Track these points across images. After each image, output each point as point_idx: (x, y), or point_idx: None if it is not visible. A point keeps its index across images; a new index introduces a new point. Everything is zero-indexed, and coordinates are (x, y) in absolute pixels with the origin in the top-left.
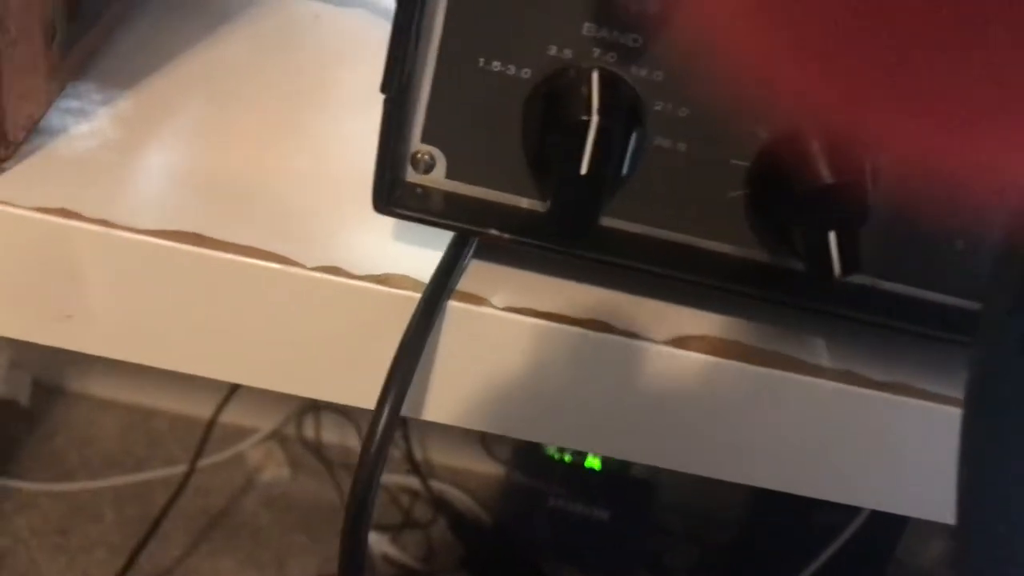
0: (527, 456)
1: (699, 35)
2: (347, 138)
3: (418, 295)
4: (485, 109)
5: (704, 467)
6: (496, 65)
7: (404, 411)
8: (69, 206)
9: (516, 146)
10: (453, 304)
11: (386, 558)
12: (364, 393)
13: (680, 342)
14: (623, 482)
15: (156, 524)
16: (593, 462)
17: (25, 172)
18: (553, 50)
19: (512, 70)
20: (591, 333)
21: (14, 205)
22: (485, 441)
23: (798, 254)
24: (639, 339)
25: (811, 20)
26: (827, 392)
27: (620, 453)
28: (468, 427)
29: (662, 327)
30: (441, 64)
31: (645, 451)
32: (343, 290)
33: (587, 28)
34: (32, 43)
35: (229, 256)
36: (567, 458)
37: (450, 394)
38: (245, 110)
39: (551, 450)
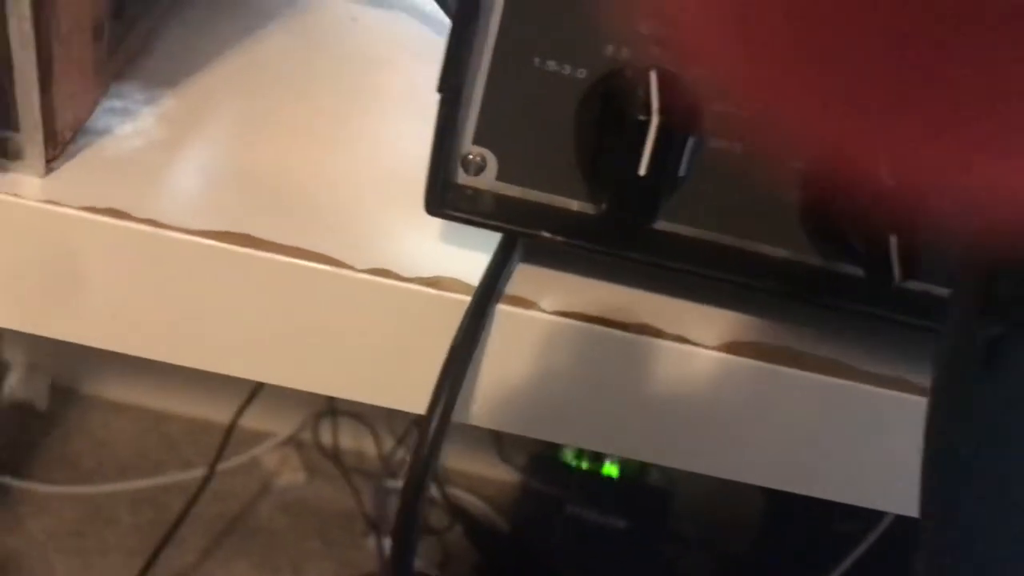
0: (543, 463)
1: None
2: (390, 138)
3: (467, 298)
4: (538, 110)
5: (759, 476)
6: (551, 65)
7: (453, 416)
8: (116, 206)
9: (569, 147)
10: (502, 308)
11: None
12: (413, 397)
13: (730, 347)
14: (640, 490)
15: (173, 529)
16: (610, 470)
17: (72, 172)
18: (610, 49)
19: (568, 70)
20: (641, 338)
21: (63, 205)
22: (501, 448)
23: (855, 259)
24: (689, 344)
25: (860, 33)
26: (882, 399)
27: (672, 461)
28: (516, 433)
29: (712, 332)
30: (496, 64)
31: (697, 459)
32: (393, 292)
33: (645, 27)
34: (81, 43)
35: (279, 257)
36: (584, 465)
37: (498, 399)
38: (288, 111)
39: (568, 457)
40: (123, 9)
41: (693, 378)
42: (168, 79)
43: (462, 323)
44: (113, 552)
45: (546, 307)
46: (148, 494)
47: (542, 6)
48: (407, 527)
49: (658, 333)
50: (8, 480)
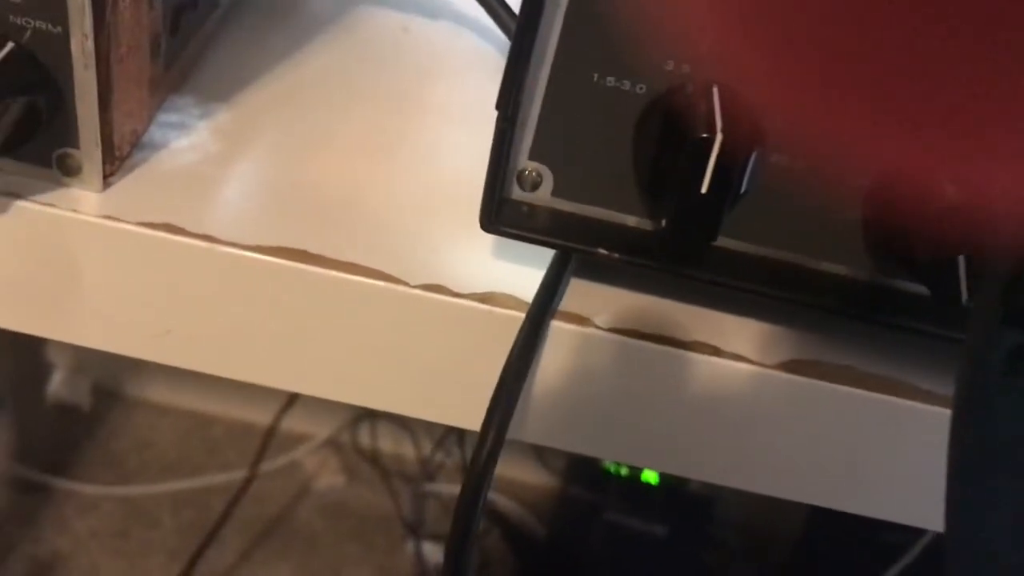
0: (583, 469)
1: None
2: (442, 151)
3: (520, 314)
4: (596, 125)
5: (823, 497)
6: (611, 81)
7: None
8: (173, 221)
9: (626, 163)
10: (556, 324)
11: (440, 569)
12: (466, 413)
13: (791, 366)
14: (681, 497)
15: (214, 531)
16: (650, 476)
17: (129, 187)
18: (671, 65)
19: (627, 86)
20: (698, 356)
21: (120, 220)
22: (540, 453)
23: (920, 277)
24: (748, 363)
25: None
26: (941, 419)
27: (732, 482)
28: (571, 451)
29: (771, 351)
30: (554, 80)
31: (758, 480)
32: (447, 308)
33: (706, 43)
34: (140, 58)
35: (334, 273)
36: (623, 471)
37: (551, 416)
38: (341, 123)
39: (607, 463)
40: (179, 25)
41: (751, 398)
42: (222, 93)
43: (517, 340)
44: (155, 553)
45: (601, 323)
46: (189, 495)
47: (603, 22)
48: (461, 550)
49: (716, 351)
50: (53, 480)
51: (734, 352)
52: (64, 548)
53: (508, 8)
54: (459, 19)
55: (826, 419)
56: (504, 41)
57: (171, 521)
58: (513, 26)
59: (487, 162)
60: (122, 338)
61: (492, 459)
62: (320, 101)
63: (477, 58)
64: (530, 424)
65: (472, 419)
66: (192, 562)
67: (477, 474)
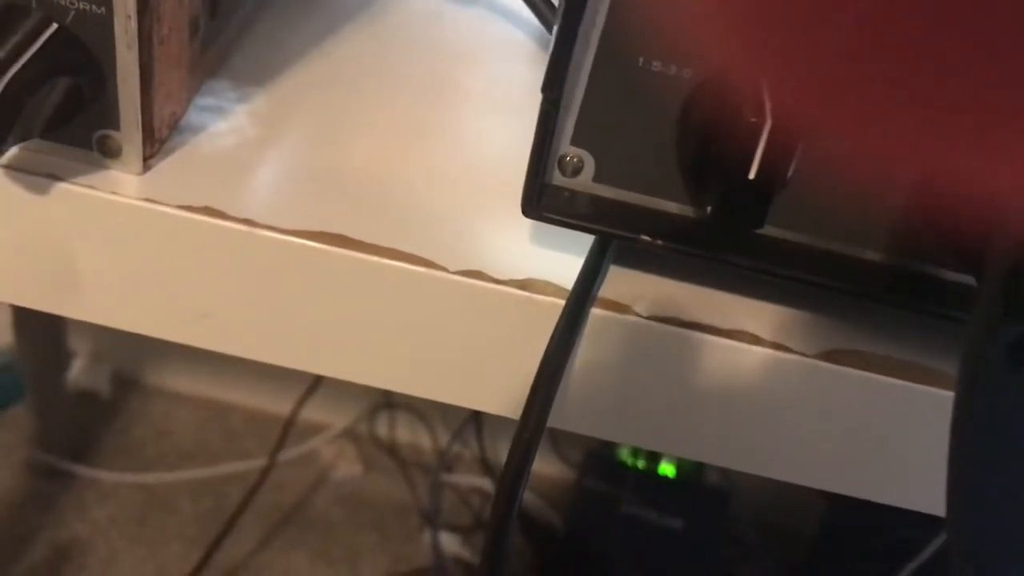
0: (599, 461)
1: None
2: (477, 136)
3: (560, 301)
4: (640, 110)
5: (864, 489)
6: (657, 65)
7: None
8: (213, 204)
9: (669, 149)
10: (595, 312)
11: (457, 559)
12: (505, 401)
13: (831, 356)
14: (697, 491)
15: (233, 519)
16: (667, 469)
17: (168, 170)
18: (719, 50)
19: (673, 70)
20: (739, 345)
21: (160, 203)
22: (557, 444)
23: (964, 267)
24: (789, 352)
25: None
26: None
27: (770, 472)
28: (611, 439)
29: (812, 340)
30: (598, 64)
31: (796, 470)
32: (486, 295)
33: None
34: (179, 40)
35: (373, 258)
36: (640, 464)
37: (590, 404)
38: (376, 108)
39: (624, 455)
40: (217, 8)
41: (792, 387)
42: (258, 77)
43: (556, 327)
44: (174, 540)
45: (641, 311)
46: (207, 484)
47: (649, 5)
48: (497, 542)
49: (756, 340)
50: (73, 466)
51: (775, 341)
52: (83, 534)
53: None
54: (492, 6)
55: (867, 409)
56: (537, 28)
57: (189, 509)
58: (546, 13)
59: (523, 148)
60: (160, 321)
61: (533, 447)
62: (355, 86)
63: (510, 45)
64: (569, 412)
65: (511, 407)
66: (210, 550)
67: (517, 461)
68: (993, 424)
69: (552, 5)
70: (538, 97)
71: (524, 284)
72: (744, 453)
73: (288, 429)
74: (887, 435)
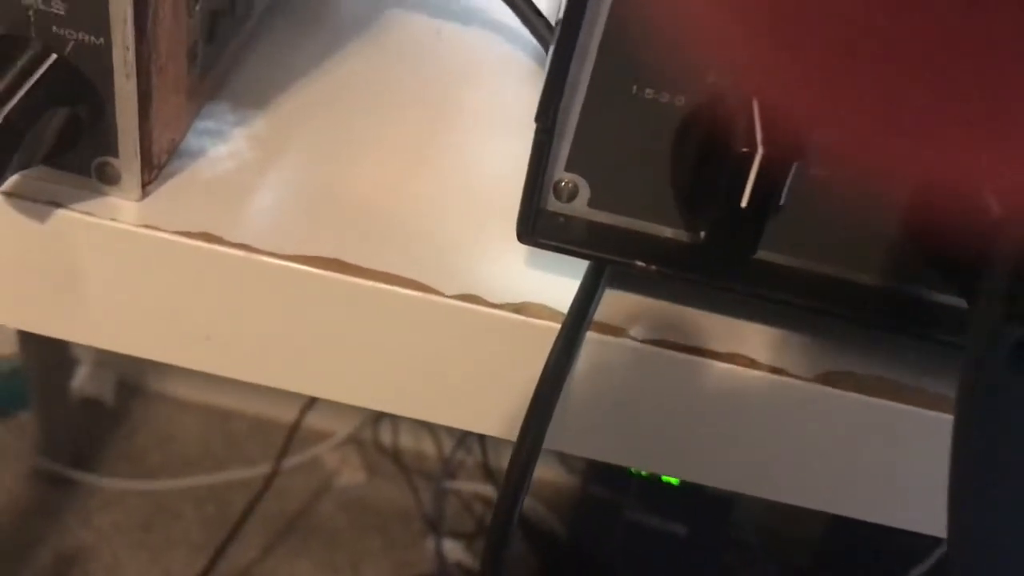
0: (604, 468)
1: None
2: (475, 158)
3: (556, 324)
4: (634, 137)
5: (861, 510)
6: (649, 92)
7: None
8: (211, 230)
9: (664, 175)
10: (591, 335)
11: (460, 566)
12: (502, 423)
13: (827, 378)
14: (701, 497)
15: (238, 526)
16: (671, 476)
17: (167, 195)
18: (712, 77)
19: (666, 97)
20: (735, 368)
21: (159, 229)
22: (561, 453)
23: (963, 290)
24: (785, 375)
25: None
26: None
27: (768, 494)
28: (607, 461)
29: (807, 363)
30: (592, 91)
31: (793, 492)
32: (481, 319)
33: (746, 56)
34: (177, 67)
35: (369, 283)
36: (643, 472)
37: (587, 427)
38: (375, 129)
39: None
40: (215, 33)
41: (788, 410)
42: (257, 99)
43: (552, 351)
44: (178, 547)
45: (636, 335)
46: (211, 491)
47: (642, 34)
48: (496, 559)
49: (752, 363)
50: (77, 474)
51: (770, 364)
52: (87, 541)
53: (540, 14)
54: (491, 25)
55: (864, 431)
56: (536, 47)
57: (193, 515)
58: (545, 33)
59: (521, 170)
60: (161, 345)
61: (528, 470)
62: (354, 107)
63: (510, 64)
64: (564, 434)
65: (507, 429)
66: (214, 557)
67: (513, 485)
68: (994, 428)
69: (549, 24)
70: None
71: (520, 308)
72: (741, 475)
73: (292, 436)
74: (883, 457)
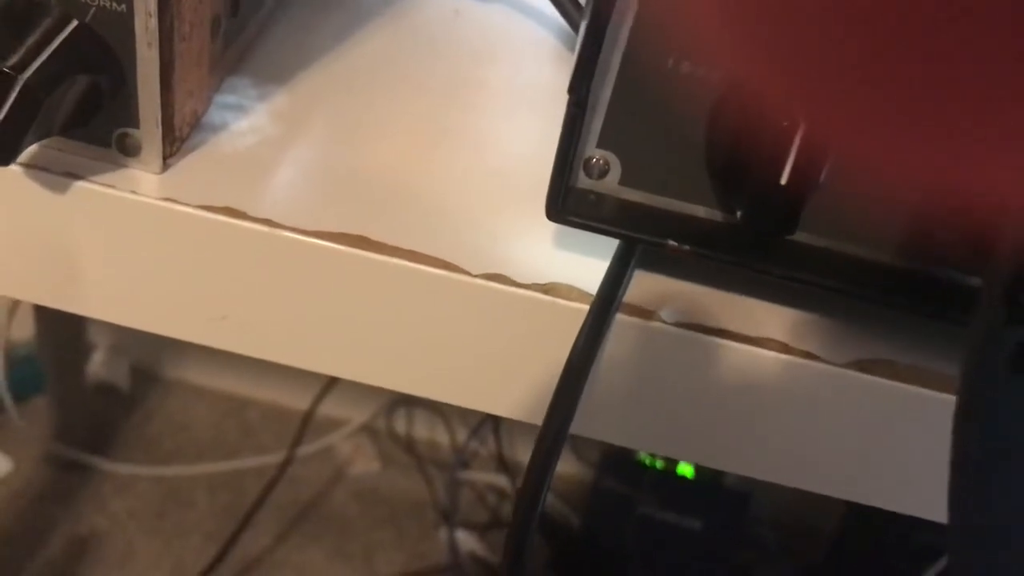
0: (617, 460)
1: None
2: (498, 136)
3: (584, 306)
4: (668, 113)
5: (892, 501)
6: (686, 66)
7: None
8: (233, 204)
9: (697, 152)
10: (620, 317)
11: (473, 556)
12: (527, 406)
13: (862, 366)
14: (716, 492)
15: (251, 514)
16: (686, 470)
17: (189, 168)
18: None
19: (703, 71)
20: (766, 352)
21: (180, 202)
22: (575, 443)
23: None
24: (818, 360)
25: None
26: None
27: (796, 482)
28: (633, 447)
29: (842, 349)
30: (626, 64)
31: (825, 481)
32: (508, 299)
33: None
34: (201, 38)
35: (395, 260)
36: (659, 464)
37: (615, 412)
38: (398, 107)
39: (642, 455)
40: (238, 6)
41: (821, 397)
42: (278, 75)
43: (580, 333)
44: (191, 534)
45: (666, 317)
46: (225, 478)
47: (680, 5)
48: (518, 548)
49: (784, 348)
50: (91, 459)
51: (803, 349)
52: (101, 526)
53: None
54: (513, 3)
55: (896, 420)
56: (560, 25)
57: (206, 503)
58: (571, 10)
59: (546, 148)
60: (177, 322)
61: (554, 454)
62: (375, 85)
63: (530, 42)
64: (591, 419)
65: (532, 413)
66: (227, 544)
67: (538, 469)
68: (995, 429)
69: (577, 2)
70: (561, 96)
71: (547, 288)
72: (771, 464)
73: (306, 424)
74: (916, 446)
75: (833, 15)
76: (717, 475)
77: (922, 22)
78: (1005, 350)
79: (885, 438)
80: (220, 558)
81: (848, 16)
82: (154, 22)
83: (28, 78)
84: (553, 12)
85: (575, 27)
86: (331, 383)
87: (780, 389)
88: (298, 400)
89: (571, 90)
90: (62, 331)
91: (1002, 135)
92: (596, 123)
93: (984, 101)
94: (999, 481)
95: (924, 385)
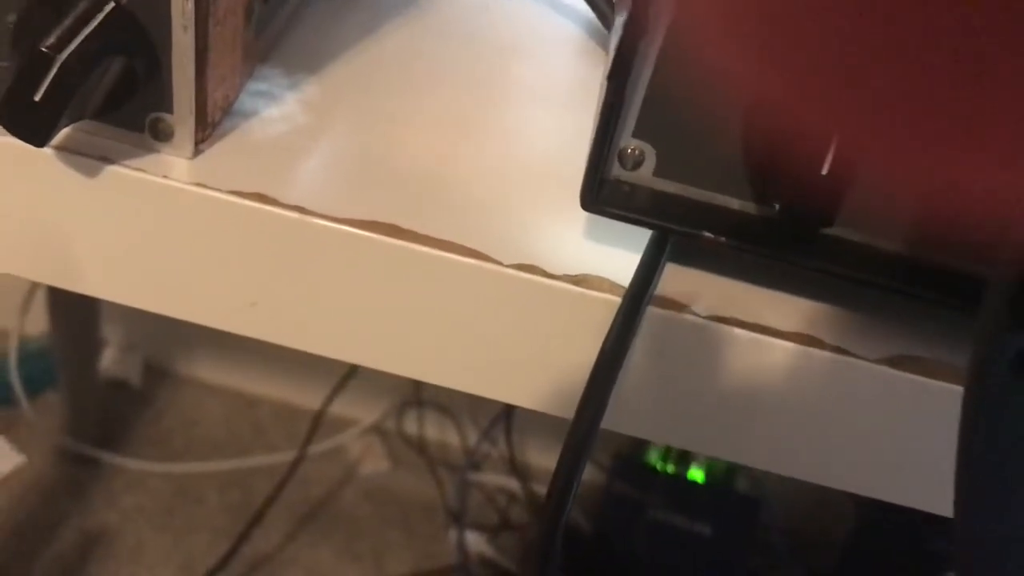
0: (628, 465)
1: None
2: (530, 129)
3: (615, 298)
4: (704, 104)
5: (924, 500)
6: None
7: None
8: (264, 191)
9: (734, 144)
10: (652, 310)
11: (482, 558)
12: (557, 399)
13: (895, 362)
14: (727, 497)
15: (261, 512)
16: (696, 474)
17: (220, 154)
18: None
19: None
20: (798, 347)
21: (211, 188)
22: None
23: None
24: (850, 356)
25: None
26: None
27: (827, 481)
28: (663, 443)
29: (875, 345)
30: (664, 54)
31: (855, 479)
32: (540, 290)
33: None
34: (234, 23)
35: (426, 249)
36: (669, 468)
37: (646, 405)
38: (428, 98)
39: (653, 459)
40: None
41: (853, 393)
42: (309, 64)
43: (613, 325)
44: (200, 531)
45: (699, 311)
46: (235, 476)
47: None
48: (548, 545)
49: (817, 343)
50: (103, 455)
51: (836, 344)
52: (111, 522)
53: None
54: None
55: (930, 417)
56: (589, 21)
57: (217, 500)
58: (601, 4)
59: (576, 141)
60: (207, 309)
61: (586, 447)
62: (405, 76)
63: (561, 38)
64: (621, 412)
65: (563, 405)
66: (237, 542)
67: (569, 462)
68: (999, 434)
69: (610, 1)
70: (591, 89)
71: (579, 280)
72: (801, 460)
73: (317, 423)
74: (948, 443)
75: (868, 24)
76: (728, 480)
77: (950, 32)
78: (1009, 355)
79: (917, 435)
80: (229, 556)
81: (880, 24)
82: (190, 5)
83: (66, 58)
84: (584, 8)
85: (607, 25)
86: (342, 382)
87: (812, 384)
88: (309, 399)
89: (610, 78)
90: (75, 326)
91: (1005, 142)
92: (632, 113)
93: (996, 108)
94: (1005, 487)
95: (956, 381)
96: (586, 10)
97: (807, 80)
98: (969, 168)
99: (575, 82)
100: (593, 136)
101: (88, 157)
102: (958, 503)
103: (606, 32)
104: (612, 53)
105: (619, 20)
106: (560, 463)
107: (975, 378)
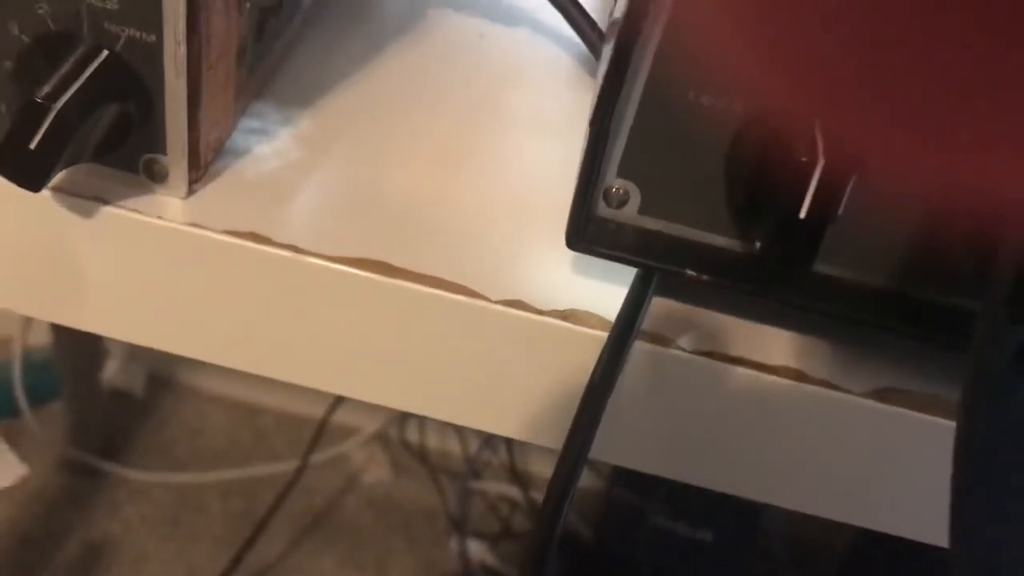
0: (629, 472)
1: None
2: (521, 162)
3: (602, 333)
4: (688, 143)
5: (911, 530)
6: (707, 99)
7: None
8: (257, 229)
9: (718, 183)
10: (638, 345)
11: (484, 566)
12: (546, 431)
13: (880, 395)
14: (728, 505)
15: (264, 521)
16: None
17: (213, 194)
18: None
19: (724, 104)
20: (785, 381)
21: (205, 228)
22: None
23: None
24: (836, 390)
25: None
26: None
27: (815, 510)
28: (650, 472)
29: (862, 378)
30: (647, 96)
31: (842, 509)
32: (527, 325)
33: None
34: (227, 64)
35: (416, 287)
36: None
37: (632, 437)
38: (421, 130)
39: None
40: (264, 31)
41: (839, 426)
42: (302, 99)
43: (600, 360)
44: (203, 540)
45: (685, 345)
46: (238, 485)
47: (702, 39)
48: (540, 569)
49: (801, 376)
50: (106, 465)
51: (820, 378)
52: (115, 532)
53: (587, 16)
54: (536, 26)
55: (916, 449)
56: (582, 50)
57: (220, 509)
58: (591, 34)
59: (567, 172)
60: (202, 344)
61: (573, 479)
62: (398, 109)
63: (555, 66)
64: (609, 444)
65: (552, 438)
66: (240, 551)
67: (558, 494)
68: (998, 430)
69: (596, 27)
70: (582, 120)
71: (566, 315)
72: (787, 491)
73: (320, 432)
74: (934, 475)
75: (853, 47)
76: None
77: (938, 60)
78: (1008, 351)
79: (903, 467)
80: (233, 565)
81: (867, 47)
82: (182, 51)
83: (61, 107)
84: (574, 35)
85: (593, 50)
86: None
87: (797, 418)
88: (312, 408)
89: (592, 124)
90: (78, 338)
91: (1007, 141)
92: (616, 153)
93: (990, 111)
94: (1003, 483)
95: (942, 415)
96: (577, 39)
97: (807, 80)
98: (973, 161)
99: (569, 112)
100: (578, 176)
101: (83, 198)
102: (954, 500)
103: (596, 61)
104: (598, 90)
105: (603, 58)
106: (549, 492)
107: (975, 374)
